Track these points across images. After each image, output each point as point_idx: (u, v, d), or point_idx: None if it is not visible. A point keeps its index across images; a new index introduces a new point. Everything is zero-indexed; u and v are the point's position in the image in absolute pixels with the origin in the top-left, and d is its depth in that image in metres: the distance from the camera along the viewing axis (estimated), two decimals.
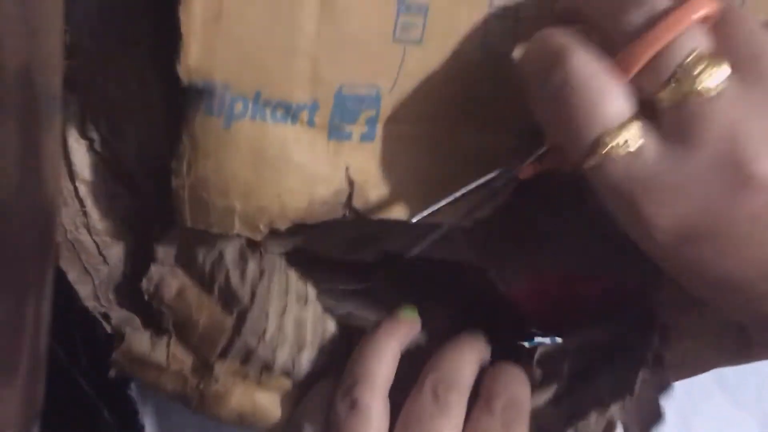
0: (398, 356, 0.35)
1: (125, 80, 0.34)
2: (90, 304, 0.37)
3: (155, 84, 0.34)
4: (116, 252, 0.37)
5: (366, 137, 0.32)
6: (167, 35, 0.35)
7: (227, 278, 0.36)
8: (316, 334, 0.37)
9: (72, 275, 0.36)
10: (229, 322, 0.36)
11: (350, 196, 0.32)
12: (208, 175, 0.31)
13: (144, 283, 0.37)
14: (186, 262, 0.37)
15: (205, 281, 0.37)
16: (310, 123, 0.31)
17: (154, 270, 0.37)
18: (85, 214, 0.36)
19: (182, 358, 0.37)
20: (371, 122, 0.32)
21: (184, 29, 0.29)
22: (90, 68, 0.34)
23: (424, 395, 0.33)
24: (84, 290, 0.37)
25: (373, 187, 0.32)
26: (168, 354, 0.37)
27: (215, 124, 0.30)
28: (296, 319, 0.37)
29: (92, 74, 0.34)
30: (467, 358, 0.34)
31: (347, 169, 0.32)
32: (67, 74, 0.33)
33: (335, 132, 0.32)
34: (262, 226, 0.32)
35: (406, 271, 0.39)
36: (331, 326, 0.38)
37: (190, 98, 0.31)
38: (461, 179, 0.32)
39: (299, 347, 0.37)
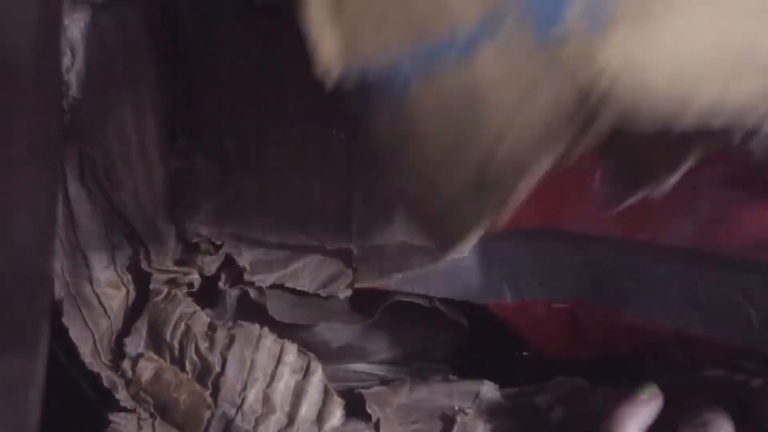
0: None
1: (124, 132, 0.35)
2: (88, 361, 0.36)
3: (153, 132, 0.35)
4: (117, 302, 0.37)
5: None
6: (168, 80, 0.35)
7: (197, 349, 0.36)
8: (313, 408, 0.36)
9: (73, 331, 0.36)
10: (208, 395, 0.36)
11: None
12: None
13: (119, 374, 0.37)
14: (156, 344, 0.37)
15: (177, 358, 0.36)
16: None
17: (126, 362, 0.37)
18: (87, 266, 0.36)
19: None
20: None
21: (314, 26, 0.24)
22: (89, 120, 0.34)
23: None
24: (84, 347, 0.36)
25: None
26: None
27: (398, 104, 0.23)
28: (289, 389, 0.36)
29: (91, 126, 0.34)
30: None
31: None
32: (67, 126, 0.33)
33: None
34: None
35: (406, 305, 0.38)
36: (336, 411, 0.36)
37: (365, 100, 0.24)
38: None
39: (290, 420, 0.36)
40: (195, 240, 0.37)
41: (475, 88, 0.22)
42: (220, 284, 0.38)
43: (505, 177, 0.22)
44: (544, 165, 0.21)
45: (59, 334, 0.35)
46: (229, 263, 0.38)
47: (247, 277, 0.37)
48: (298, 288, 0.38)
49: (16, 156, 0.28)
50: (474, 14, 0.22)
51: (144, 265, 0.37)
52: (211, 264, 0.37)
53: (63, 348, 0.37)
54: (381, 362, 0.40)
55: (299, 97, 0.34)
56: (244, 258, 0.37)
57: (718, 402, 0.32)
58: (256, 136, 0.35)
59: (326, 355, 0.39)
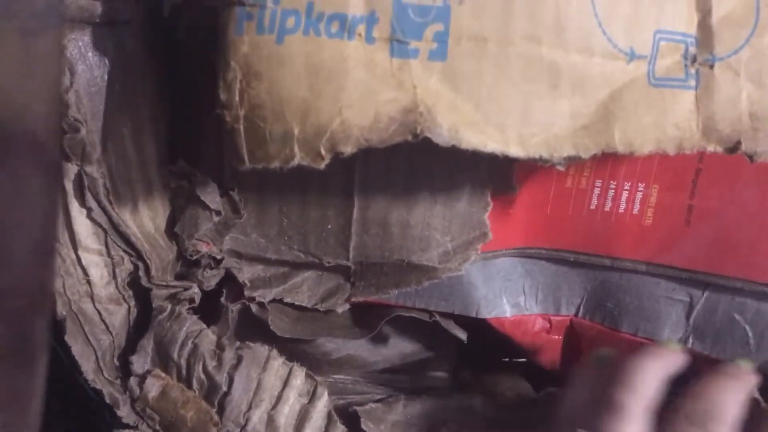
0: (661, 382, 0.33)
1: (124, 151, 0.35)
2: (91, 378, 0.36)
3: (153, 151, 0.35)
4: (119, 318, 0.37)
5: (435, 55, 0.28)
6: (167, 100, 0.35)
7: (204, 367, 0.36)
8: None
9: (76, 349, 0.36)
10: (215, 416, 0.36)
11: (418, 118, 0.27)
12: (263, 99, 0.27)
13: (127, 392, 0.37)
14: (162, 362, 0.37)
15: (184, 376, 0.37)
16: (369, 39, 0.27)
17: (132, 380, 0.37)
18: (88, 282, 0.36)
19: None
20: (441, 38, 0.27)
21: None
22: (89, 140, 0.34)
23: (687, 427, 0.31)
24: (86, 364, 0.37)
25: (444, 111, 0.28)
26: None
27: (267, 42, 0.27)
28: (294, 413, 0.36)
29: (91, 145, 0.34)
30: (733, 392, 0.32)
31: (415, 89, 0.27)
32: (69, 145, 0.33)
33: (398, 49, 0.27)
34: (323, 151, 0.27)
35: (406, 318, 0.39)
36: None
37: (238, 17, 0.27)
38: (547, 102, 0.28)
39: None
40: (195, 257, 0.37)
41: (344, 64, 0.27)
42: (222, 300, 0.38)
43: (320, 141, 0.27)
44: (350, 149, 0.27)
45: (60, 335, 0.35)
46: (229, 278, 0.38)
47: (247, 292, 0.37)
48: (297, 303, 0.38)
49: (16, 173, 0.28)
50: (360, 7, 0.27)
51: (144, 281, 0.37)
52: (211, 279, 0.38)
53: (63, 348, 0.37)
54: (381, 372, 0.41)
55: None
56: (244, 273, 0.38)
57: None
58: None
59: (327, 366, 0.39)
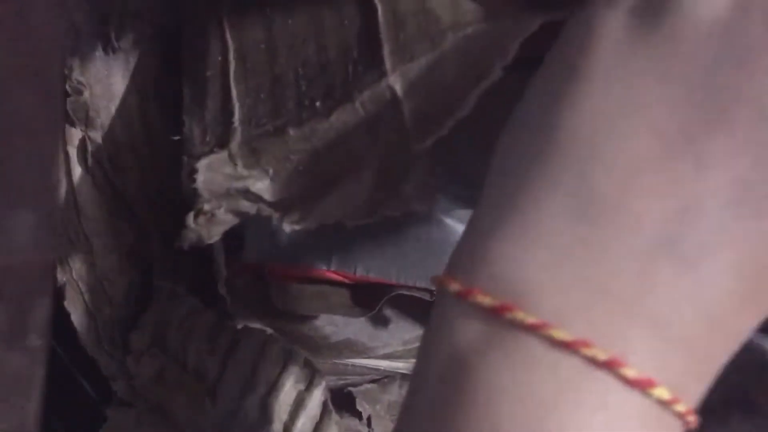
0: None
1: (129, 118, 0.35)
2: (90, 347, 0.36)
3: (158, 120, 0.35)
4: (120, 289, 0.37)
5: None
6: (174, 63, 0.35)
7: (198, 351, 0.35)
8: (310, 423, 0.35)
9: (75, 316, 0.36)
10: (207, 401, 0.35)
11: None
12: None
13: (124, 368, 0.36)
14: (160, 342, 0.36)
15: (180, 358, 0.36)
16: None
17: (130, 358, 0.36)
18: (90, 251, 0.36)
19: None
20: None
21: None
22: (93, 105, 0.35)
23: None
24: (86, 333, 0.37)
25: None
26: None
27: None
28: (290, 399, 0.35)
29: (96, 111, 0.35)
30: None
31: None
32: (72, 109, 0.33)
33: None
34: None
35: (407, 300, 0.36)
36: (332, 429, 0.35)
37: None
38: None
39: (285, 431, 0.34)
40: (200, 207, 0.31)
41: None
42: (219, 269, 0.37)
43: None
44: None
45: (60, 334, 0.35)
46: (232, 245, 0.37)
47: (277, 221, 0.30)
48: (343, 221, 0.30)
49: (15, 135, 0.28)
50: None
51: (147, 253, 0.37)
52: (213, 227, 0.31)
53: (63, 348, 0.37)
54: (381, 357, 0.39)
55: None
56: (265, 194, 0.30)
57: None
58: None
59: (326, 350, 0.38)
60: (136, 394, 0.37)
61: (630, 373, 0.18)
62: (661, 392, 0.18)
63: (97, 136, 0.35)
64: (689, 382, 0.19)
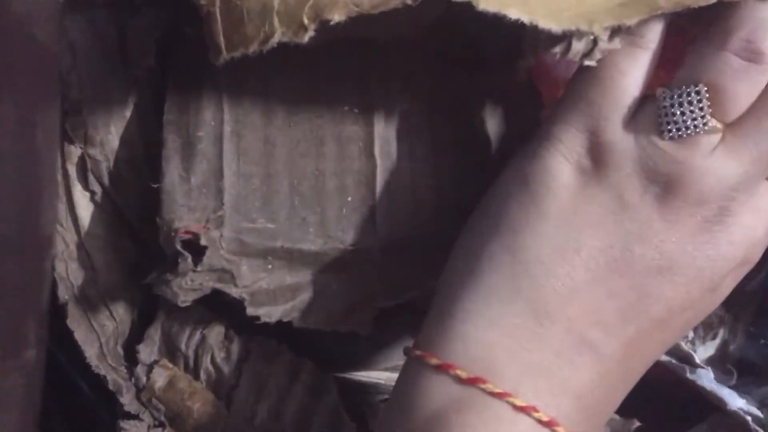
0: None
1: (128, 136, 0.35)
2: (94, 363, 0.36)
3: (157, 134, 0.34)
4: (123, 305, 0.37)
5: None
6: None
7: (212, 359, 0.35)
8: (323, 430, 0.35)
9: (79, 334, 0.36)
10: (223, 408, 0.35)
11: None
12: None
13: (133, 381, 0.36)
14: (170, 352, 0.36)
15: (191, 367, 0.36)
16: None
17: (139, 369, 0.36)
18: (92, 268, 0.36)
19: None
20: None
21: None
22: (92, 122, 0.34)
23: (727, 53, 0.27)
24: (90, 350, 0.36)
25: None
26: None
27: None
28: (302, 407, 0.35)
29: (94, 129, 0.34)
30: None
31: None
32: (71, 127, 0.33)
33: None
34: (306, 20, 0.25)
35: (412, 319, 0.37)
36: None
37: None
38: None
39: None
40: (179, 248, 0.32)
41: None
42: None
43: (303, 10, 0.25)
44: (337, 17, 0.25)
45: (58, 336, 0.35)
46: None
47: (250, 310, 0.33)
48: (311, 326, 0.33)
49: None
50: None
51: (149, 269, 0.37)
52: (188, 292, 0.32)
53: (62, 349, 0.37)
54: (384, 371, 0.39)
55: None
56: (242, 279, 0.33)
57: None
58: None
59: (328, 364, 0.38)
60: (144, 406, 0.37)
61: (560, 430, 0.27)
62: None
63: (96, 153, 0.34)
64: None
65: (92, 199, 0.35)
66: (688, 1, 0.26)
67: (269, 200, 0.32)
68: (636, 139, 0.27)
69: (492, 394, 0.26)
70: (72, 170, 0.34)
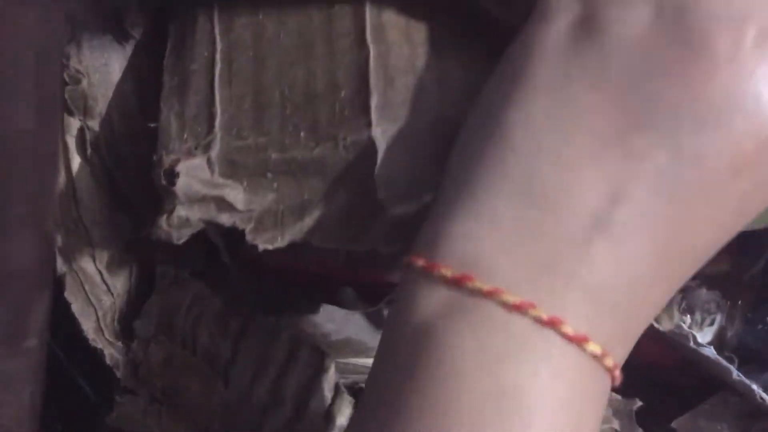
0: None
1: (127, 108, 0.35)
2: (91, 337, 0.36)
3: (156, 106, 0.34)
4: (121, 280, 0.37)
5: None
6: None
7: (210, 335, 0.35)
8: (323, 405, 0.34)
9: (76, 306, 0.36)
10: (220, 383, 0.35)
11: None
12: None
13: (130, 357, 0.36)
14: (167, 328, 0.36)
15: (189, 343, 0.35)
16: None
17: (136, 345, 0.36)
18: (89, 242, 0.36)
19: (174, 428, 0.35)
20: None
21: None
22: (91, 94, 0.34)
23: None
24: (87, 322, 0.36)
25: None
26: (160, 424, 0.35)
27: None
28: (300, 384, 0.34)
29: (94, 99, 0.34)
30: None
31: None
32: (70, 98, 0.32)
33: None
34: None
35: None
36: (346, 410, 0.34)
37: None
38: None
39: (298, 414, 0.34)
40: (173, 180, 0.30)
41: None
42: (223, 258, 0.37)
43: None
44: None
45: (59, 334, 0.35)
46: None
47: (250, 237, 0.29)
48: (324, 245, 0.30)
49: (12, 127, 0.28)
50: None
51: (147, 243, 0.36)
52: (182, 227, 0.30)
53: (62, 348, 0.37)
54: None
55: None
56: (238, 203, 0.29)
57: None
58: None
59: (326, 348, 0.37)
60: (141, 382, 0.36)
61: (568, 330, 0.21)
62: (594, 347, 0.22)
63: (95, 125, 0.34)
64: (616, 340, 0.23)
65: (91, 172, 0.35)
66: None
67: (260, 115, 0.30)
68: None
69: (480, 293, 0.22)
70: (71, 142, 0.34)
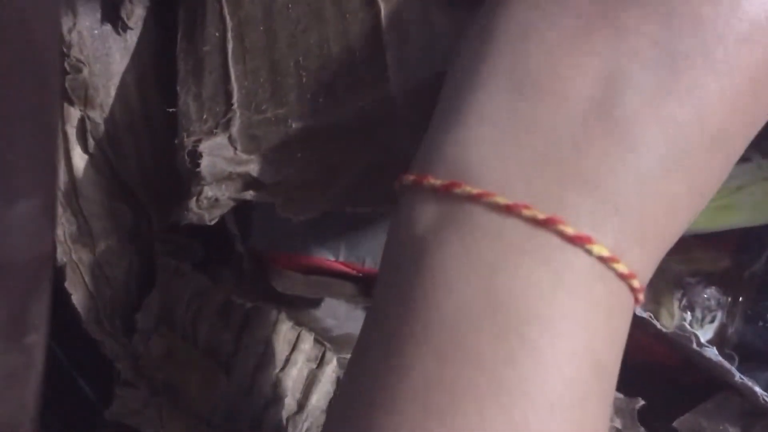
0: None
1: (128, 99, 0.34)
2: (91, 328, 0.36)
3: (157, 96, 0.34)
4: (120, 271, 0.36)
5: None
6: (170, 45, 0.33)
7: (212, 327, 0.35)
8: (324, 398, 0.35)
9: (76, 297, 0.36)
10: (222, 376, 0.35)
11: None
12: None
13: (131, 350, 0.36)
14: (168, 320, 0.36)
15: (190, 336, 0.35)
16: None
17: (137, 337, 0.35)
18: (89, 233, 0.35)
19: (175, 422, 0.35)
20: None
21: None
22: (92, 83, 0.33)
23: None
24: (87, 314, 0.36)
25: None
26: (160, 417, 0.35)
27: None
28: (302, 377, 0.34)
29: (95, 89, 0.34)
30: None
31: None
32: (71, 87, 0.32)
33: None
34: None
35: None
36: None
37: None
38: None
39: (300, 407, 0.34)
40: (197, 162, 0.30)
41: None
42: (238, 247, 0.36)
43: None
44: None
45: (59, 334, 0.34)
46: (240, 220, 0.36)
47: (281, 212, 0.29)
48: (359, 208, 0.29)
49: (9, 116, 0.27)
50: None
51: (147, 235, 0.36)
52: (213, 208, 0.31)
53: (63, 348, 0.36)
54: None
55: None
56: (265, 175, 0.29)
57: None
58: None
59: (327, 343, 0.37)
60: (141, 374, 0.36)
61: (568, 230, 0.19)
62: (600, 249, 0.19)
63: (96, 115, 0.34)
64: (627, 242, 0.20)
65: (91, 163, 0.34)
66: None
67: (277, 87, 0.30)
68: None
69: (470, 198, 0.20)
70: (71, 132, 0.34)
